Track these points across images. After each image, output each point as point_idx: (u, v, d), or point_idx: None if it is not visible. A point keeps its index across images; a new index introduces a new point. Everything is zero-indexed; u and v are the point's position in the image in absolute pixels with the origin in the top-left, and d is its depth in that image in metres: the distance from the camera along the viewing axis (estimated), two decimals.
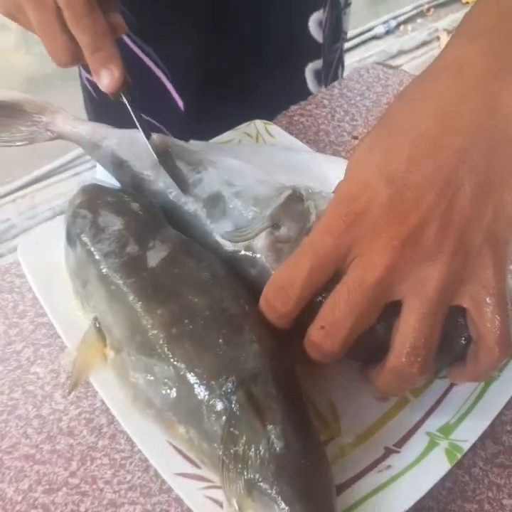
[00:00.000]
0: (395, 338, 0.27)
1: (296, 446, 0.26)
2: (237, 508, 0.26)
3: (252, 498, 0.26)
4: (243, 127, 0.47)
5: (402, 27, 2.23)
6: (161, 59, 0.54)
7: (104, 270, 0.32)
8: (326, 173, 0.36)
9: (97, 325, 0.32)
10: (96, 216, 0.34)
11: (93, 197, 0.36)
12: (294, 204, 0.33)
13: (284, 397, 0.28)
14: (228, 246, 0.33)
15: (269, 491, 0.26)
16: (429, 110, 0.27)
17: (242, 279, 0.32)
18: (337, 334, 0.27)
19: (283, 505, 0.25)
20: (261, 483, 0.26)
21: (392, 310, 0.27)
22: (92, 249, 0.33)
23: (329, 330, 0.27)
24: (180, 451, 0.30)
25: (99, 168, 0.64)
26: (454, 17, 2.23)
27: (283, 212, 0.32)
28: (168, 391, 0.28)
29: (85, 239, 0.34)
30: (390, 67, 0.60)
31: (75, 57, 0.34)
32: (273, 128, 0.48)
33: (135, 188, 0.39)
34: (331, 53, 0.62)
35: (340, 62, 0.66)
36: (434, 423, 0.31)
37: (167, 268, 0.32)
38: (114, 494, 0.31)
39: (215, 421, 0.27)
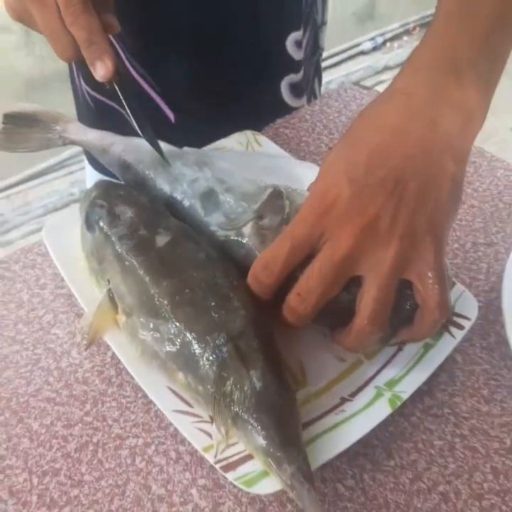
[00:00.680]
0: (360, 305, 0.34)
1: (272, 386, 0.34)
2: (225, 434, 0.34)
3: (237, 427, 0.33)
4: (236, 136, 0.55)
5: (388, 44, 2.31)
6: (151, 75, 0.58)
7: (119, 249, 0.39)
8: (301, 176, 0.44)
9: (111, 295, 0.39)
10: (111, 206, 0.42)
11: (107, 190, 0.43)
12: (275, 199, 0.40)
13: (264, 350, 0.35)
14: (221, 233, 0.41)
15: (250, 420, 0.33)
16: (382, 127, 0.35)
17: (233, 259, 0.40)
18: (309, 299, 0.34)
19: (260, 430, 0.33)
20: (244, 414, 0.33)
21: (353, 285, 0.35)
22: (109, 232, 0.40)
23: (304, 296, 0.35)
24: (176, 394, 0.37)
25: (88, 169, 0.70)
26: None
27: (266, 206, 0.40)
28: (171, 345, 0.36)
29: (103, 224, 0.41)
30: (365, 87, 0.68)
31: (77, 52, 0.39)
32: (261, 138, 0.55)
33: (139, 186, 0.46)
34: (309, 67, 0.68)
35: (317, 74, 0.72)
36: (381, 379, 0.39)
37: (171, 249, 0.39)
38: (120, 430, 0.38)
39: (208, 368, 0.34)
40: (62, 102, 0.69)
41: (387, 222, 0.33)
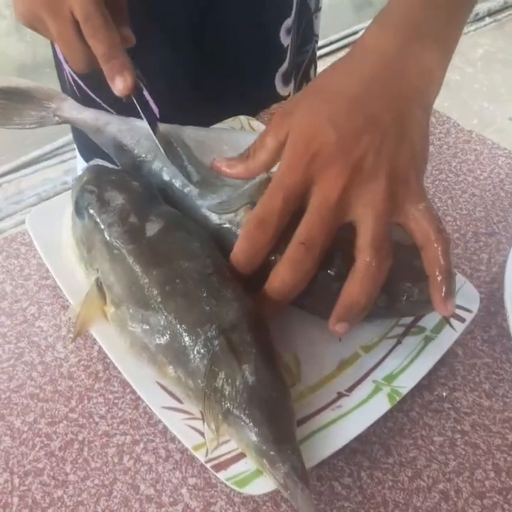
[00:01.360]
0: (359, 245, 0.34)
1: (265, 381, 0.32)
2: (215, 431, 0.32)
3: (228, 423, 0.32)
4: (229, 121, 0.53)
5: None
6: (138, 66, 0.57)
7: (108, 237, 0.37)
8: None
9: (99, 285, 0.38)
10: (101, 191, 0.39)
11: (98, 175, 0.41)
12: (268, 186, 0.38)
13: (257, 343, 0.34)
14: (214, 220, 0.39)
15: (242, 416, 0.31)
16: (358, 77, 0.36)
17: (226, 248, 0.38)
18: (315, 247, 0.34)
19: (252, 427, 0.31)
20: (235, 410, 0.31)
21: (344, 266, 0.34)
22: (98, 219, 0.38)
23: (309, 244, 0.34)
24: (165, 389, 0.35)
25: (79, 158, 0.68)
26: None
27: (259, 192, 0.38)
28: (161, 337, 0.34)
29: (92, 211, 0.39)
30: None
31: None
32: (255, 123, 0.53)
33: (134, 168, 0.44)
34: (301, 54, 0.66)
35: (313, 62, 0.71)
36: (380, 373, 0.38)
37: (162, 237, 0.37)
38: (107, 427, 0.36)
39: (199, 361, 0.33)
40: (55, 88, 0.67)
41: (372, 159, 0.34)
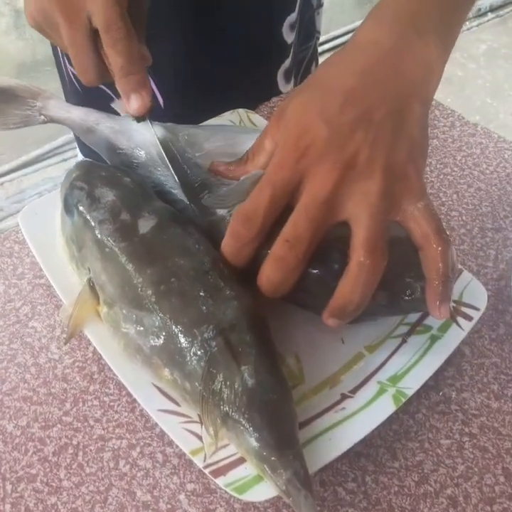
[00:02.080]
0: (353, 244, 0.32)
1: (265, 383, 0.31)
2: (214, 436, 0.31)
3: (227, 427, 0.31)
4: (227, 115, 0.51)
5: None
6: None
7: (99, 235, 0.36)
8: None
9: (91, 284, 0.36)
10: (92, 188, 0.38)
11: (88, 171, 0.40)
12: None
13: (257, 344, 0.32)
14: (208, 215, 0.38)
15: (241, 420, 0.30)
16: (353, 72, 0.35)
17: (219, 244, 0.37)
18: (300, 245, 0.32)
19: (252, 431, 0.30)
20: (234, 413, 0.30)
21: (341, 267, 0.32)
22: (88, 216, 0.37)
23: (293, 242, 0.32)
24: (162, 391, 0.34)
25: (80, 157, 0.67)
26: None
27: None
28: (156, 339, 0.33)
29: (82, 208, 0.38)
30: None
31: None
32: (254, 116, 0.52)
33: (128, 167, 0.42)
34: (303, 51, 0.65)
35: (314, 59, 0.70)
36: (384, 374, 0.36)
37: (156, 234, 0.36)
38: (103, 430, 0.35)
39: (196, 363, 0.31)
40: (54, 87, 0.66)
41: (366, 155, 0.32)
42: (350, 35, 2.05)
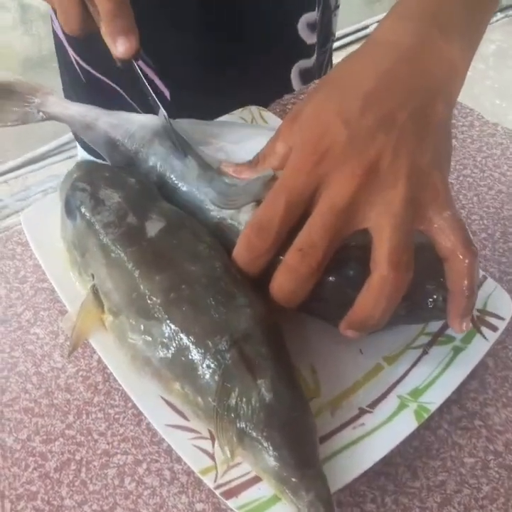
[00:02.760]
0: (375, 256, 0.30)
1: (284, 398, 0.29)
2: (229, 455, 0.29)
3: (243, 446, 0.29)
4: (238, 112, 0.49)
5: None
6: (147, 51, 0.55)
7: (104, 239, 0.34)
8: None
9: (95, 292, 0.34)
10: (95, 189, 0.36)
11: (90, 171, 0.38)
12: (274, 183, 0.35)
13: (274, 355, 0.30)
14: (215, 215, 0.36)
15: (259, 438, 0.28)
16: (372, 71, 0.33)
17: (225, 246, 0.35)
18: (314, 254, 0.30)
19: (271, 450, 0.28)
20: (252, 431, 0.28)
21: (359, 273, 0.31)
22: (92, 219, 0.35)
23: (307, 251, 0.30)
24: (170, 405, 0.32)
25: (80, 152, 0.65)
26: None
27: (265, 191, 0.35)
28: (166, 350, 0.31)
29: (85, 210, 0.35)
30: None
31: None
32: (267, 114, 0.50)
33: (128, 166, 0.40)
34: (321, 55, 0.64)
35: (330, 62, 0.68)
36: (405, 387, 0.34)
37: (165, 238, 0.34)
38: (107, 445, 0.33)
39: (209, 377, 0.29)
40: (60, 82, 0.64)
41: (389, 161, 0.30)
42: (358, 34, 2.03)
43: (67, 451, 0.33)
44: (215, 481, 0.29)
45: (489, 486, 0.33)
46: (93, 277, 0.34)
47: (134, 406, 0.34)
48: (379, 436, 0.32)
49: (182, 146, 0.38)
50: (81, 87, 0.59)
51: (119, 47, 0.35)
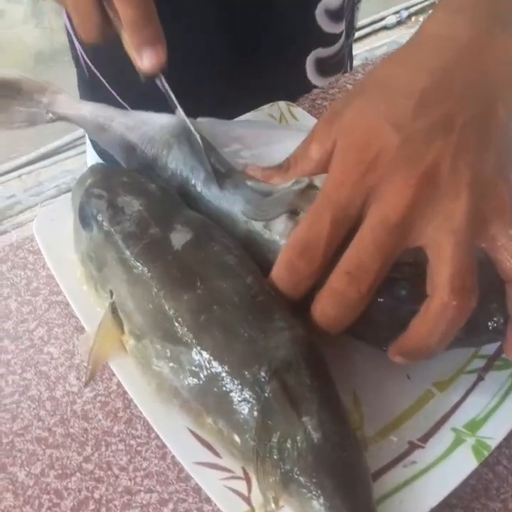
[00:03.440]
0: (434, 280, 0.26)
1: (333, 437, 0.26)
2: (272, 502, 0.25)
3: (289, 493, 0.25)
4: (266, 108, 0.46)
5: (413, 18, 2.20)
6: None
7: (125, 253, 0.31)
8: None
9: (114, 311, 0.31)
10: (113, 196, 0.33)
11: (106, 176, 0.35)
12: (313, 191, 0.32)
13: (318, 386, 0.27)
14: (244, 225, 0.32)
15: (308, 484, 0.25)
16: (424, 70, 0.29)
17: (255, 258, 0.31)
18: (364, 277, 0.26)
19: (322, 499, 0.24)
20: (299, 476, 0.25)
21: (410, 293, 0.27)
22: (111, 230, 0.32)
23: (356, 273, 0.26)
24: (199, 439, 0.29)
25: (89, 153, 0.62)
26: None
27: (300, 200, 0.31)
28: (196, 380, 0.27)
29: (102, 220, 0.32)
30: None
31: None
32: (296, 110, 0.46)
33: (146, 171, 0.37)
34: (345, 48, 0.60)
35: (350, 57, 0.65)
36: (460, 419, 0.31)
37: (192, 252, 0.30)
38: (129, 481, 0.30)
39: (247, 412, 0.26)
40: (73, 77, 0.61)
41: (448, 169, 0.27)
42: (375, 25, 1.97)
43: (84, 488, 0.30)
44: None
45: None
46: (111, 294, 0.31)
47: (159, 436, 0.31)
48: (434, 476, 0.28)
49: (205, 149, 0.35)
50: (87, 86, 0.57)
51: (146, 60, 0.31)
